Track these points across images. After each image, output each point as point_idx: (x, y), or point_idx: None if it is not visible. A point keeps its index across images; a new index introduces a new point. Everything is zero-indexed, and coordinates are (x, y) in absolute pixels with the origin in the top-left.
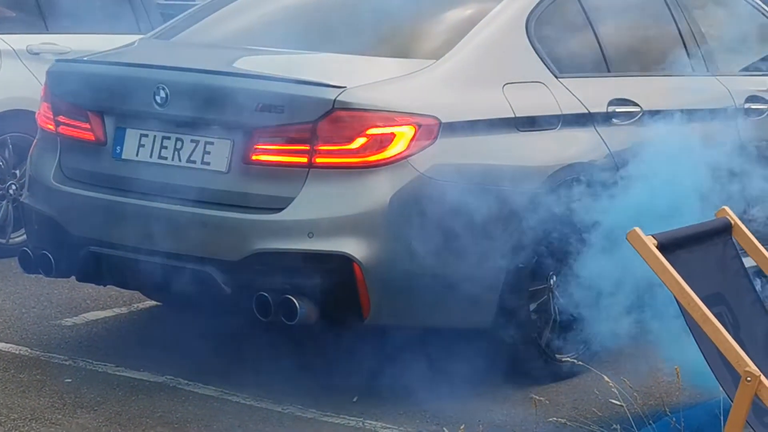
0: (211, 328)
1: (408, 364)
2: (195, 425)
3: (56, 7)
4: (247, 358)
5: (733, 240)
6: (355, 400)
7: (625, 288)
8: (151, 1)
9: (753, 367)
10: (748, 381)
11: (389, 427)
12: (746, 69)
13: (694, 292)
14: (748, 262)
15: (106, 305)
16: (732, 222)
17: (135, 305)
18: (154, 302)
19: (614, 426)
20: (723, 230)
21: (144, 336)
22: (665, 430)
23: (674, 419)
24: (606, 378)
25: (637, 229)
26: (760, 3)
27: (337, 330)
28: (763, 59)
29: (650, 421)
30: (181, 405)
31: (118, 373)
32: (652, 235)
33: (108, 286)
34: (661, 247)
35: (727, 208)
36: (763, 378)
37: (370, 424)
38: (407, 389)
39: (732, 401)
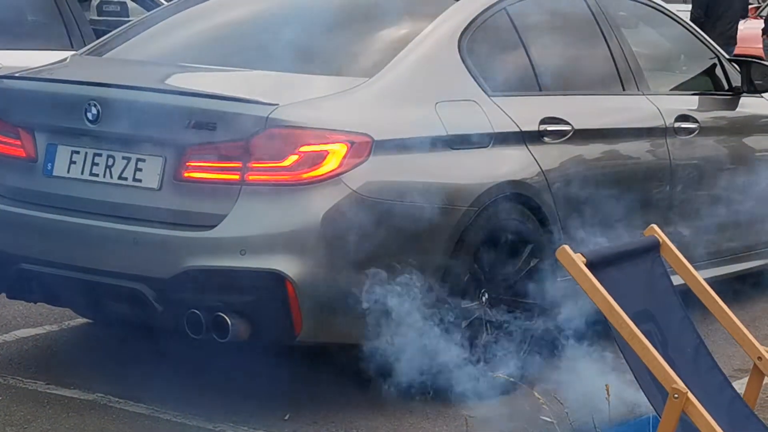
0: (142, 346)
1: (339, 381)
2: None
3: None
4: (178, 376)
5: (662, 258)
6: (286, 418)
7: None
8: (83, 17)
9: (680, 384)
10: (676, 398)
11: None
12: (676, 88)
13: (623, 309)
14: (677, 279)
15: (36, 322)
16: (660, 240)
17: (66, 323)
18: (85, 320)
19: None
20: (651, 248)
21: (75, 354)
22: None
23: None
24: (537, 394)
25: (566, 246)
26: (691, 24)
27: (268, 347)
28: (693, 78)
29: None
30: (112, 423)
31: (48, 391)
32: (581, 253)
33: (39, 303)
34: (590, 265)
35: (655, 227)
36: (690, 395)
37: None
38: (338, 406)
39: (660, 418)
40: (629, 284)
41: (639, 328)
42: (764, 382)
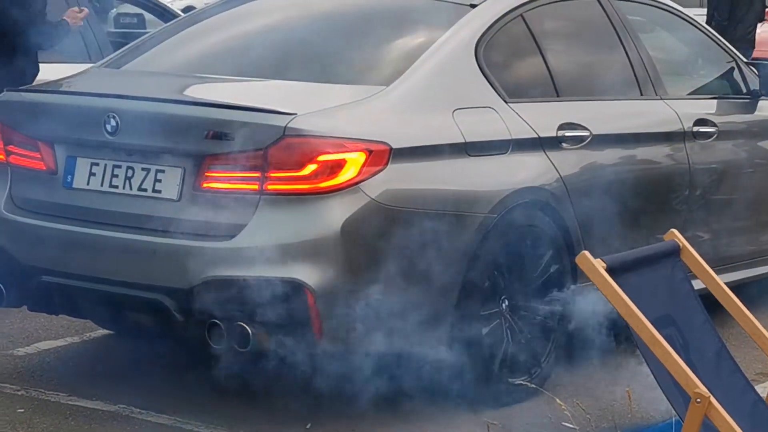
0: (163, 357)
1: (361, 390)
2: None
3: None
4: (200, 386)
5: (682, 262)
6: (308, 426)
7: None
8: (101, 30)
9: (702, 389)
10: (698, 402)
11: None
12: (694, 92)
13: (644, 314)
14: (698, 284)
15: (58, 334)
16: (680, 245)
17: (87, 334)
18: (106, 331)
19: None
20: (672, 253)
21: (97, 365)
22: None
23: None
24: (558, 401)
25: (586, 252)
26: (707, 27)
27: (289, 356)
28: (711, 82)
29: None
30: None
31: (70, 403)
32: (602, 258)
33: (60, 316)
34: (610, 270)
35: (675, 231)
36: (712, 399)
37: None
38: (359, 415)
39: (683, 422)
40: (650, 289)
41: (660, 333)
42: None
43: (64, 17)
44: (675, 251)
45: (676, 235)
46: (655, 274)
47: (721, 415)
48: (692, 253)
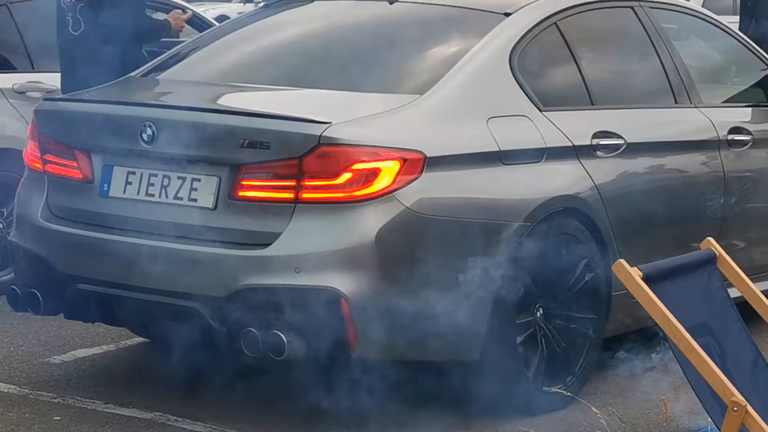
0: (199, 364)
1: (396, 397)
2: None
3: (42, 46)
4: (235, 394)
5: (718, 271)
6: None
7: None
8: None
9: (739, 397)
10: (735, 411)
11: None
12: (729, 100)
13: (680, 322)
14: (734, 292)
15: (94, 342)
16: (717, 253)
17: (123, 342)
18: (142, 339)
19: None
20: (708, 261)
21: (132, 373)
22: None
23: None
24: (594, 409)
25: (623, 260)
26: (742, 35)
27: (325, 364)
28: (745, 90)
29: None
30: None
31: (106, 410)
32: (638, 267)
33: (96, 323)
34: (647, 279)
35: (711, 240)
36: (749, 408)
37: None
38: (397, 424)
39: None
40: (686, 297)
41: (697, 342)
42: None
43: (167, 17)
44: (711, 259)
45: (712, 244)
46: (692, 283)
47: (759, 424)
48: (728, 262)
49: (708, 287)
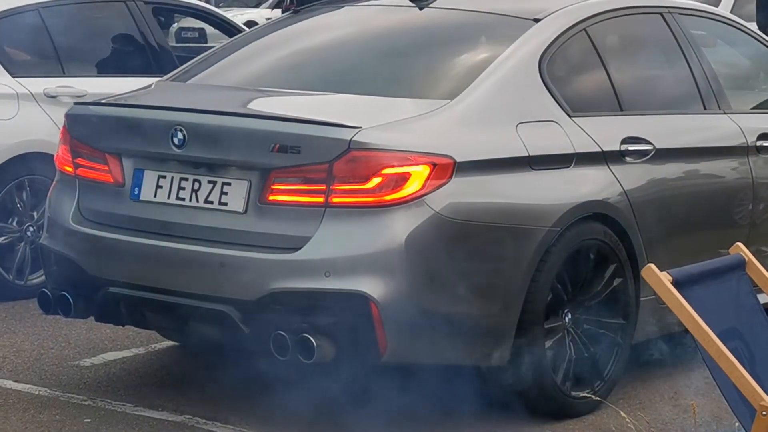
0: (229, 368)
1: (424, 404)
2: None
3: (73, 51)
4: (265, 397)
5: (747, 276)
6: None
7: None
8: (166, 44)
9: None
10: (764, 415)
11: None
12: (758, 106)
13: (710, 327)
14: (763, 298)
15: (124, 345)
16: (746, 258)
17: (153, 345)
18: (172, 342)
19: None
20: (737, 266)
21: (162, 376)
22: None
23: None
24: (623, 414)
25: (652, 265)
26: None
27: (354, 368)
28: None
29: None
30: None
31: (136, 413)
32: (667, 271)
33: (126, 327)
34: (676, 283)
35: (740, 245)
36: None
37: None
38: (427, 426)
39: None
40: (715, 302)
41: (726, 346)
42: None
43: None
44: (740, 265)
45: (742, 249)
46: (721, 288)
47: None
48: (758, 267)
49: (737, 292)
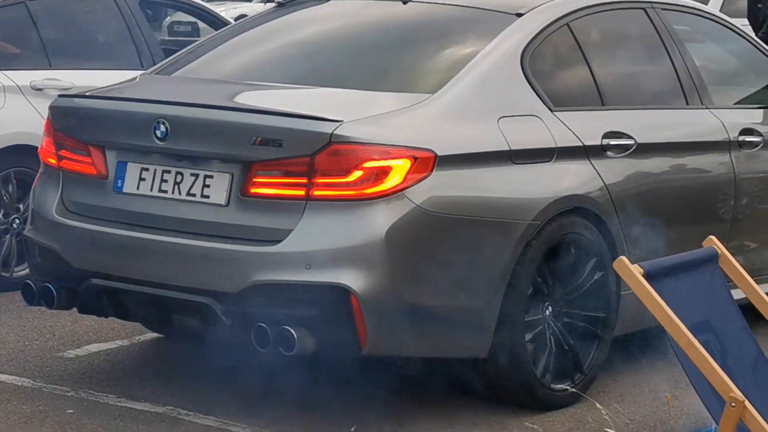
0: (211, 360)
1: (406, 395)
2: None
3: (60, 44)
4: (247, 389)
5: (720, 269)
6: (352, 429)
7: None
8: (153, 37)
9: (737, 393)
10: (733, 406)
11: None
12: (740, 102)
13: (682, 319)
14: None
15: (107, 337)
16: (719, 251)
17: (136, 337)
18: (155, 334)
19: None
20: (710, 259)
21: (145, 368)
22: None
23: None
24: (599, 405)
25: (624, 258)
26: (754, 37)
27: (335, 360)
28: (757, 92)
29: None
30: None
31: (119, 404)
32: (639, 264)
33: (110, 318)
34: (648, 276)
35: (713, 238)
36: (747, 404)
37: None
38: (402, 419)
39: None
40: (688, 295)
41: (697, 339)
42: None
43: None
44: (713, 258)
45: (715, 242)
46: (694, 280)
47: (756, 420)
48: (730, 260)
49: (710, 285)
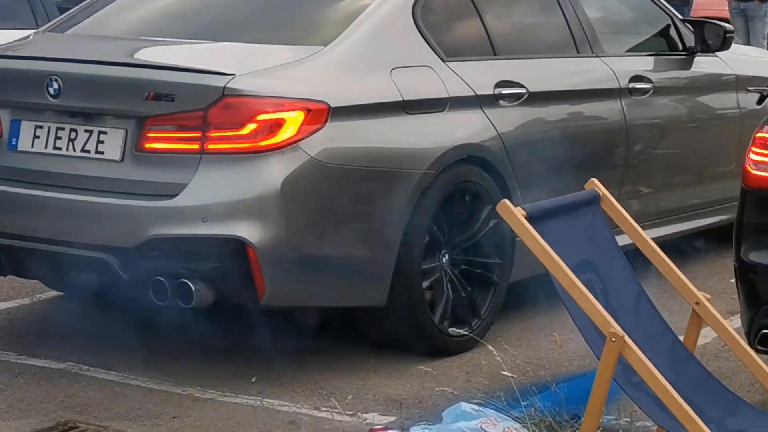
0: (112, 316)
1: (303, 344)
2: (96, 409)
3: None
4: (147, 344)
5: (602, 210)
6: (253, 380)
7: (514, 263)
8: None
9: (617, 328)
10: (613, 341)
11: (286, 405)
12: (631, 50)
13: (564, 260)
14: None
15: (8, 296)
16: (600, 193)
17: (37, 296)
18: (55, 293)
19: (500, 396)
20: (591, 201)
21: (46, 325)
22: (548, 400)
23: (557, 388)
24: (491, 347)
25: (506, 200)
26: None
27: (235, 312)
28: (647, 40)
29: (535, 392)
30: (82, 390)
31: (20, 362)
32: (521, 207)
33: (9, 277)
34: (530, 218)
35: (596, 180)
36: (627, 338)
37: (268, 402)
38: (303, 368)
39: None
40: (570, 236)
41: (580, 278)
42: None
43: None
44: (595, 200)
45: (596, 184)
46: (576, 222)
47: (636, 354)
48: (612, 201)
49: (591, 226)
